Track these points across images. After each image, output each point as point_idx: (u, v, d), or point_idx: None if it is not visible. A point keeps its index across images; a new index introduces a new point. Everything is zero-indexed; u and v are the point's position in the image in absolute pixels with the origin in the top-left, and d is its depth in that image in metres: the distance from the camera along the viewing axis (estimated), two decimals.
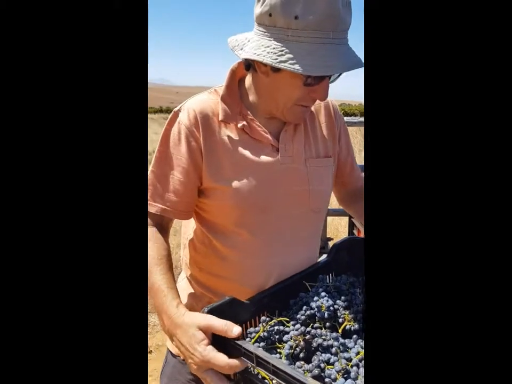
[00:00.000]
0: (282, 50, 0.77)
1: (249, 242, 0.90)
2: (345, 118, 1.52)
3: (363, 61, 0.74)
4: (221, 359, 0.66)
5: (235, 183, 0.87)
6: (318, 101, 0.98)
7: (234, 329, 0.67)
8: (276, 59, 0.77)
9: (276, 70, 0.80)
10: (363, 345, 0.72)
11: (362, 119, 2.80)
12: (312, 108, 0.98)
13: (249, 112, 0.91)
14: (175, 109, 0.91)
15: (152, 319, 2.79)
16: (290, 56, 0.76)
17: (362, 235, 2.40)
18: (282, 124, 0.93)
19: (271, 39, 0.78)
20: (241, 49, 0.83)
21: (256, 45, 0.80)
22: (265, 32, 0.79)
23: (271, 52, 0.77)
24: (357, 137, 6.86)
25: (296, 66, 0.75)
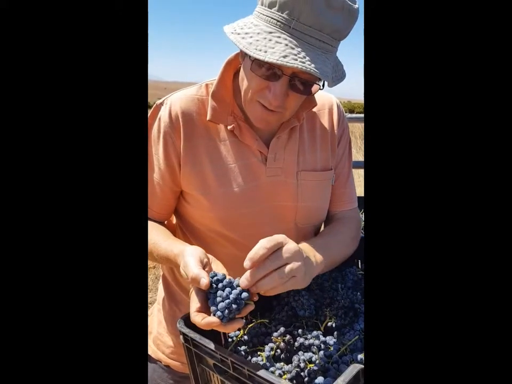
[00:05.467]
0: (246, 25, 0.71)
1: (230, 252, 0.86)
2: None
3: (330, 78, 0.67)
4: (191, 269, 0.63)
5: (214, 195, 0.82)
6: (322, 105, 0.90)
7: (202, 281, 0.61)
8: (234, 31, 0.71)
9: (245, 53, 0.73)
10: (344, 342, 0.72)
11: (350, 115, 2.79)
12: (315, 113, 0.90)
13: (241, 113, 0.83)
14: (158, 102, 0.84)
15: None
16: (247, 31, 0.69)
17: None
18: (276, 129, 0.85)
19: (252, 15, 0.73)
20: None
21: (242, 21, 0.74)
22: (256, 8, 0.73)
23: (240, 25, 0.71)
24: None
25: (242, 41, 0.68)
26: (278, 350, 0.70)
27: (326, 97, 0.93)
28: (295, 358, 0.68)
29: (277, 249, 0.63)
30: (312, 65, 0.65)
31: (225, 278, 0.63)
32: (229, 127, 0.82)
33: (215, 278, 0.63)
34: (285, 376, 0.65)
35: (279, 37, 0.66)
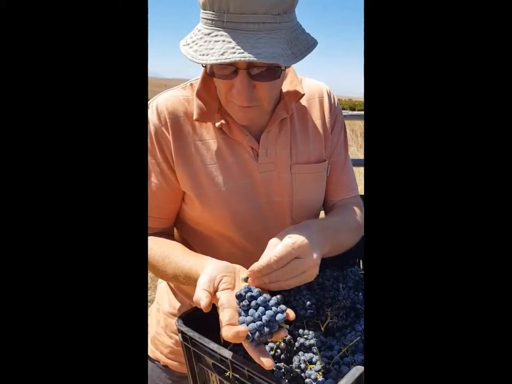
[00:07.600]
0: (194, 33, 0.70)
1: (229, 251, 0.85)
2: None
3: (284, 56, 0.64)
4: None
5: (208, 195, 0.80)
6: (312, 94, 0.88)
7: (200, 303, 0.58)
8: (186, 42, 0.70)
9: None
10: (346, 343, 0.70)
11: (351, 112, 2.79)
12: (305, 103, 0.88)
13: None
14: None
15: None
16: (194, 39, 0.69)
17: None
18: (266, 123, 0.82)
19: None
20: None
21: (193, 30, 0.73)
22: None
23: (190, 35, 0.71)
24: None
25: (189, 50, 0.68)
26: (278, 350, 0.69)
27: (316, 86, 0.90)
28: (295, 358, 0.67)
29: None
30: (254, 51, 0.63)
31: (260, 295, 0.57)
32: (217, 124, 0.80)
33: (249, 294, 0.57)
34: (285, 377, 0.64)
35: (216, 35, 0.66)
